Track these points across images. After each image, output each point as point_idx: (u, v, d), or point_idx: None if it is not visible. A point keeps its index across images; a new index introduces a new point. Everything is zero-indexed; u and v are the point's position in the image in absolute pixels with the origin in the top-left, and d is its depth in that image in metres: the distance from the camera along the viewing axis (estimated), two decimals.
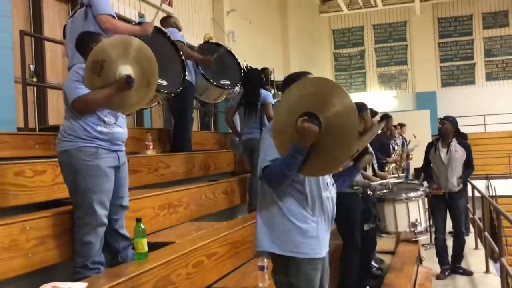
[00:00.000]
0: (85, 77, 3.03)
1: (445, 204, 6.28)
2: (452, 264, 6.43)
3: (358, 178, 4.60)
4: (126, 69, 3.08)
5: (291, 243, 2.63)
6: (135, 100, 3.23)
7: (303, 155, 2.42)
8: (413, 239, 5.94)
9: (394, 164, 7.68)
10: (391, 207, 4.57)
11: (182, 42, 5.57)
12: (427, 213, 4.96)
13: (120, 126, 3.28)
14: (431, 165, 6.38)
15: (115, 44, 3.10)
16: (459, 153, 6.17)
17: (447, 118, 6.29)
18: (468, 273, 6.44)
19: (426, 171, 6.45)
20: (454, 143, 6.19)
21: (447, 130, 6.19)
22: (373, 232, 4.91)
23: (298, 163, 2.44)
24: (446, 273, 6.34)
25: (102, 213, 3.14)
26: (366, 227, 4.67)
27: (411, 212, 4.51)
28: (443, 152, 6.18)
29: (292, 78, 2.81)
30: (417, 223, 4.50)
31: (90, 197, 3.09)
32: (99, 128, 3.12)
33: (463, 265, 6.57)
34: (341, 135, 2.38)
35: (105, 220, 3.18)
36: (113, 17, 4.04)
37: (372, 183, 4.83)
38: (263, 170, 2.58)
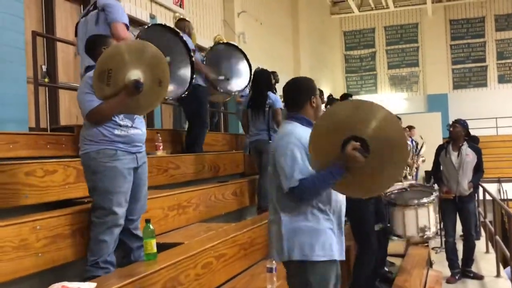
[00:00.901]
0: (95, 88, 3.07)
1: (455, 208, 6.23)
2: (463, 268, 6.38)
3: None
4: (134, 74, 3.08)
5: (305, 246, 2.63)
6: (149, 102, 3.26)
7: (342, 177, 2.48)
8: (422, 243, 5.95)
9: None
10: (401, 212, 4.58)
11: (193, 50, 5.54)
12: (437, 217, 4.94)
13: (137, 128, 3.32)
14: (441, 168, 6.33)
15: (119, 50, 3.10)
16: (470, 156, 6.12)
17: (458, 121, 6.25)
18: (478, 277, 6.38)
19: (436, 174, 6.41)
20: (465, 147, 6.14)
21: (458, 134, 6.14)
22: (383, 236, 4.90)
23: (335, 182, 2.51)
24: (457, 277, 6.29)
25: (120, 213, 3.18)
26: (376, 227, 4.67)
27: (420, 218, 4.52)
28: (453, 155, 6.14)
29: (301, 83, 2.84)
30: (426, 229, 4.51)
31: (108, 198, 3.13)
32: (116, 132, 3.18)
33: (473, 269, 6.52)
34: (389, 156, 2.42)
35: (122, 221, 3.22)
36: (127, 25, 4.10)
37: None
38: (294, 188, 2.55)
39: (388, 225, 4.73)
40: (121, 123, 3.22)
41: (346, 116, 2.46)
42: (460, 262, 6.40)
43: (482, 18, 19.46)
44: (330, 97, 7.75)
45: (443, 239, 6.74)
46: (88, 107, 3.14)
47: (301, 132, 2.65)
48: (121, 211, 3.18)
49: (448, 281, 6.23)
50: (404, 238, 4.83)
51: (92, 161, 3.14)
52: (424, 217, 4.54)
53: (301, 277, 2.68)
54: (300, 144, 2.60)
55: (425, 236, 4.66)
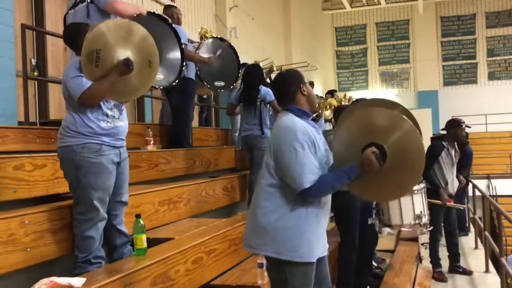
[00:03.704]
0: (84, 70, 2.95)
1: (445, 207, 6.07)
2: (452, 264, 6.37)
3: None
4: (123, 54, 2.97)
5: (288, 246, 2.60)
6: (142, 83, 3.13)
7: (355, 177, 2.54)
8: (418, 233, 5.88)
9: None
10: (397, 200, 4.55)
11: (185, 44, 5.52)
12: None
13: (123, 120, 3.26)
14: (434, 166, 6.09)
15: (107, 30, 2.97)
16: (458, 153, 6.15)
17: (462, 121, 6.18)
18: (467, 272, 6.41)
19: (428, 174, 6.04)
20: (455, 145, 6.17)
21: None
22: (374, 228, 4.90)
23: (349, 182, 2.57)
24: (442, 272, 6.22)
25: (102, 209, 3.14)
26: (370, 221, 4.67)
27: (416, 205, 4.54)
28: (451, 153, 6.03)
29: (286, 75, 2.83)
30: (422, 215, 4.53)
31: (92, 194, 3.07)
32: (102, 124, 3.09)
33: (462, 264, 6.53)
34: (406, 164, 2.53)
35: (105, 215, 3.18)
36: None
37: None
38: (307, 189, 2.51)
39: (382, 216, 4.72)
40: (109, 113, 3.13)
41: (372, 122, 2.59)
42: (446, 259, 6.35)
43: (473, 15, 19.56)
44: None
45: (431, 237, 6.67)
46: (79, 91, 3.00)
47: (303, 124, 2.62)
48: (103, 207, 3.14)
49: (442, 279, 6.14)
50: (400, 226, 4.78)
51: (75, 156, 3.04)
52: (419, 204, 4.56)
53: (279, 275, 2.66)
54: (304, 137, 2.56)
55: (421, 223, 4.64)
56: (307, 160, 2.53)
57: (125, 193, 3.38)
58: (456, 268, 6.39)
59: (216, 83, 6.19)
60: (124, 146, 3.32)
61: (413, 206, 4.53)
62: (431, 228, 5.00)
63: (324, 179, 2.55)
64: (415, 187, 4.58)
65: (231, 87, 6.49)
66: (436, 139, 6.28)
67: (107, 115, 3.12)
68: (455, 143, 6.11)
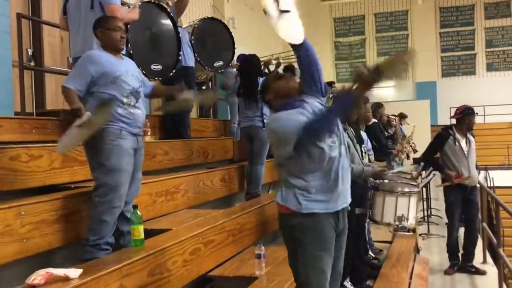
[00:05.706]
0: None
1: (462, 199, 5.91)
2: (464, 263, 6.08)
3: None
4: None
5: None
6: None
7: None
8: (396, 232, 5.87)
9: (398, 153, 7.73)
10: (382, 197, 4.57)
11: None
12: (417, 208, 4.87)
13: (139, 108, 3.32)
14: (443, 156, 5.95)
15: None
16: (474, 143, 5.90)
17: (472, 109, 5.98)
18: (481, 272, 6.02)
19: (430, 159, 6.07)
20: (469, 134, 5.91)
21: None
22: (363, 218, 4.87)
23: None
24: (455, 268, 6.04)
25: (123, 192, 3.19)
26: (357, 210, 4.64)
27: (399, 206, 4.51)
28: (462, 142, 5.82)
29: None
30: (403, 219, 4.51)
31: (113, 175, 3.13)
32: (119, 111, 3.17)
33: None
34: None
35: (122, 203, 3.23)
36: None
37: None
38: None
39: (369, 210, 4.70)
40: (124, 100, 3.20)
41: None
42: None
43: (472, 6, 19.49)
44: None
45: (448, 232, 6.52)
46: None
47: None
48: (123, 189, 3.19)
49: (447, 272, 6.03)
50: (380, 224, 4.79)
51: (96, 140, 3.12)
52: (403, 207, 4.53)
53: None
54: None
55: (400, 225, 4.64)
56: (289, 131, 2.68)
57: (138, 181, 3.43)
58: (468, 267, 6.06)
59: (216, 64, 6.28)
60: (141, 136, 3.38)
61: (395, 207, 4.51)
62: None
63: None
64: (405, 189, 4.55)
65: (230, 64, 6.55)
66: (444, 128, 6.12)
67: (122, 102, 3.19)
68: (467, 132, 5.89)
